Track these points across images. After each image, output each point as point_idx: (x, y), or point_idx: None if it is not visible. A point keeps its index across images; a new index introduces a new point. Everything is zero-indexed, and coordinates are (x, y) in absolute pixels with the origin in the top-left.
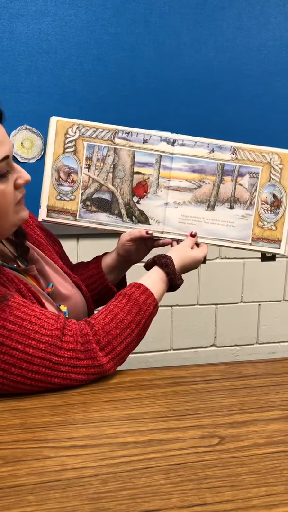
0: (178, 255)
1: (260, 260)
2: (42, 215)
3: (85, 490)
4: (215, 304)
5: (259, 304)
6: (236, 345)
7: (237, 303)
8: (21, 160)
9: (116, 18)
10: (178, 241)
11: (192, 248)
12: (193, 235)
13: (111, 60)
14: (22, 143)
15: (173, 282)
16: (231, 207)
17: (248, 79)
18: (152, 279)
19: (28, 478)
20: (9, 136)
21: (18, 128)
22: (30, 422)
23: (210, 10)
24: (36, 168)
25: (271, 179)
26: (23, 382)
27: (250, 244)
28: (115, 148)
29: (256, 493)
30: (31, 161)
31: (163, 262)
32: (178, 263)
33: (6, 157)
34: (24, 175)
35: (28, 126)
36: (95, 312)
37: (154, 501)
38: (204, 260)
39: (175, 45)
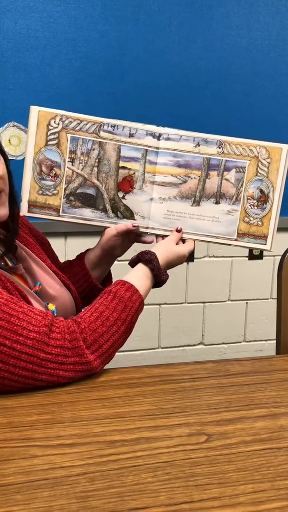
0: (162, 250)
1: (247, 258)
2: (23, 210)
3: (72, 489)
4: (203, 303)
5: (247, 303)
6: (223, 343)
7: (224, 301)
8: (9, 157)
9: (104, 15)
10: (164, 236)
11: (177, 243)
12: (178, 231)
13: (99, 57)
14: (9, 140)
15: (158, 278)
16: (217, 203)
17: (236, 78)
18: (137, 276)
19: (15, 477)
20: None
21: (6, 125)
22: (17, 421)
23: (199, 9)
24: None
25: (258, 174)
26: (10, 379)
27: (236, 239)
28: (100, 142)
29: (243, 490)
30: (18, 158)
31: (147, 258)
32: (162, 259)
33: None
34: None
35: (15, 123)
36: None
37: (141, 499)
38: (192, 258)
39: (163, 43)
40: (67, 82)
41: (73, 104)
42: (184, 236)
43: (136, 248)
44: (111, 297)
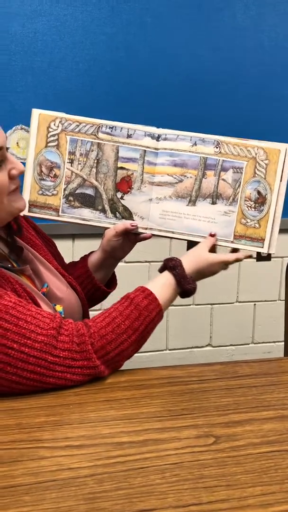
0: (191, 258)
1: (255, 260)
2: (24, 210)
3: (80, 490)
4: (211, 304)
5: (255, 304)
6: (231, 345)
7: (232, 303)
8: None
9: (111, 18)
10: (161, 237)
11: (211, 251)
12: (212, 235)
13: (106, 60)
14: (17, 142)
15: (182, 287)
16: (213, 203)
17: (244, 79)
18: (160, 284)
19: (24, 479)
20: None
21: (14, 128)
22: (26, 423)
23: (206, 11)
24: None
25: (256, 175)
26: (18, 382)
27: (232, 242)
28: (98, 143)
29: (251, 492)
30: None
31: (170, 265)
32: (190, 266)
33: (0, 148)
34: (18, 166)
35: (23, 126)
36: (90, 312)
37: (149, 500)
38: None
39: (171, 46)
40: (74, 85)
41: (80, 106)
42: (179, 237)
43: (139, 248)
44: (127, 303)
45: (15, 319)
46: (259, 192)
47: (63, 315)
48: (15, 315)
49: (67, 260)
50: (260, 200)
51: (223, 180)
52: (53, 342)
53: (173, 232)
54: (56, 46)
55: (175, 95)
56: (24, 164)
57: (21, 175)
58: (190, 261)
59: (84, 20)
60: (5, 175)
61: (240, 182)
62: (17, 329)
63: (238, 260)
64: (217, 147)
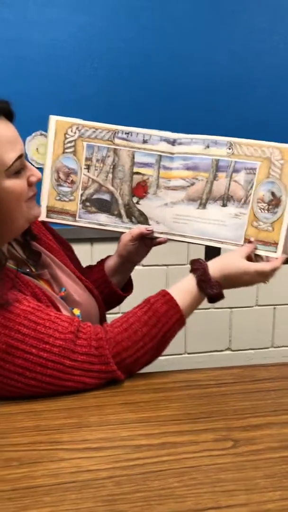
0: (219, 261)
1: None
2: (42, 216)
3: (99, 492)
4: (230, 308)
5: (275, 308)
6: (251, 349)
7: (252, 306)
8: (37, 166)
9: (129, 24)
10: (175, 241)
11: (250, 258)
12: (250, 242)
13: (124, 66)
14: (37, 148)
15: (205, 291)
16: (224, 205)
17: (260, 83)
18: (183, 288)
19: (44, 480)
20: (24, 141)
21: (33, 134)
22: (45, 424)
23: (223, 15)
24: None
25: (270, 176)
26: (37, 386)
27: (243, 245)
28: (114, 149)
29: (270, 497)
30: None
31: (194, 268)
32: (216, 270)
33: (20, 156)
34: (36, 173)
35: (43, 132)
36: (107, 315)
37: (168, 503)
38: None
39: (188, 51)
40: (93, 91)
41: (98, 112)
42: (190, 240)
43: (156, 252)
44: (146, 309)
45: (33, 324)
46: (273, 194)
47: (80, 319)
48: (33, 320)
49: (85, 264)
50: (274, 202)
51: (235, 181)
52: (71, 346)
53: (184, 236)
54: (75, 53)
55: (193, 100)
56: (41, 170)
57: (39, 182)
58: (217, 265)
59: (101, 27)
60: (25, 182)
61: (253, 183)
62: (35, 334)
63: (275, 269)
64: (230, 149)
